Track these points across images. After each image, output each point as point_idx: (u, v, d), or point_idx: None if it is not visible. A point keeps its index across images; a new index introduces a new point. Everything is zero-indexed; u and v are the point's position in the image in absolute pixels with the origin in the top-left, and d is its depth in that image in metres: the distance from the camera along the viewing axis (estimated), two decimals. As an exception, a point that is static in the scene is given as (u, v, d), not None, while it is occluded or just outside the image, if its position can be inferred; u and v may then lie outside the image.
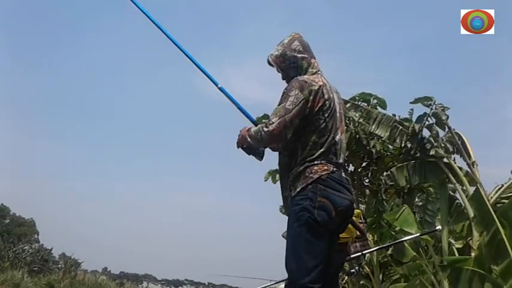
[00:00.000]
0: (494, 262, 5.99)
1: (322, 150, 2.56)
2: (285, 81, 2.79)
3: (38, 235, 43.83)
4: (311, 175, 2.51)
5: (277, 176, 10.61)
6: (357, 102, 9.03)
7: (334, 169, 2.57)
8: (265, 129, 2.54)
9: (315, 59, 2.75)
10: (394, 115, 8.71)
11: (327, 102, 2.60)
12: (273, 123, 2.53)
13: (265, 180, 10.73)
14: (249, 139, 2.63)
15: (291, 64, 2.70)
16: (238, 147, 2.72)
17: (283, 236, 12.58)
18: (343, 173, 2.66)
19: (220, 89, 2.92)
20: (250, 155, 2.76)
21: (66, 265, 30.36)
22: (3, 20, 67.50)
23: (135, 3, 3.23)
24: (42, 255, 33.57)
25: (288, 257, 2.52)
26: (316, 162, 2.54)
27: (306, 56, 2.72)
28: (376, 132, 8.47)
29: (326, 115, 2.59)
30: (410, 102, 8.31)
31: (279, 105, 2.58)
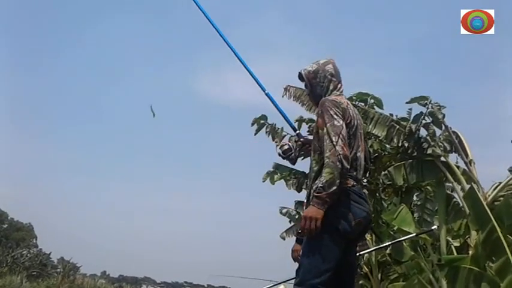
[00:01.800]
0: (490, 260, 6.02)
1: None
2: (309, 96, 3.05)
3: (36, 239, 43.79)
4: None
5: (276, 176, 10.69)
6: (354, 102, 9.05)
7: (355, 183, 2.71)
8: (336, 157, 2.52)
9: (341, 84, 2.94)
10: (391, 115, 8.74)
11: (352, 120, 2.75)
12: (336, 145, 2.54)
13: (264, 181, 10.74)
14: (330, 191, 2.52)
15: (320, 83, 2.88)
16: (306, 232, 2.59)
17: (281, 237, 12.59)
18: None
19: (267, 95, 3.15)
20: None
21: (64, 269, 30.31)
22: (2, 20, 67.34)
23: (200, 9, 3.51)
24: (40, 259, 33.51)
25: (303, 258, 2.67)
26: None
27: (335, 80, 2.91)
28: (374, 131, 8.50)
29: (351, 133, 2.73)
30: (407, 102, 8.35)
31: (323, 129, 2.63)
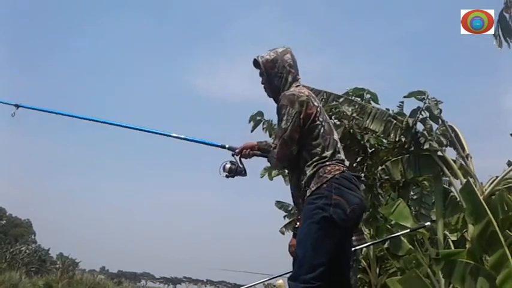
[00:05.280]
0: (486, 253, 6.06)
1: (330, 151, 2.63)
2: (263, 86, 2.86)
3: (34, 236, 43.82)
4: (325, 175, 2.57)
5: (273, 172, 10.69)
6: (350, 97, 9.05)
7: (345, 168, 2.63)
8: (273, 156, 2.73)
9: (299, 75, 2.84)
10: (388, 109, 8.74)
11: (318, 108, 2.70)
12: (275, 147, 2.69)
13: (261, 177, 10.75)
14: (269, 158, 2.83)
15: (278, 73, 2.76)
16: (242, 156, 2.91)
17: (280, 231, 12.62)
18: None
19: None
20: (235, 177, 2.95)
21: (63, 265, 30.35)
22: (4, 17, 66.99)
23: None
24: (39, 255, 33.59)
25: (296, 253, 2.60)
26: (328, 163, 2.59)
27: (293, 71, 2.78)
28: (371, 126, 8.49)
29: (321, 119, 2.68)
30: (404, 97, 8.38)
31: (277, 125, 2.72)
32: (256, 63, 2.82)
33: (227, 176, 2.91)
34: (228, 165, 2.90)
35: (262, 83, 2.85)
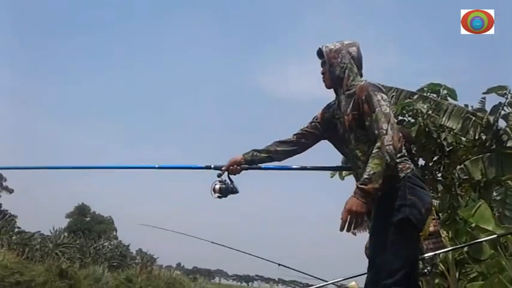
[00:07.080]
0: None
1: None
2: (323, 75, 2.77)
3: (116, 232, 46.31)
4: (397, 173, 2.47)
5: (344, 172, 10.50)
6: (425, 94, 8.72)
7: (413, 166, 2.55)
8: (385, 147, 2.36)
9: (361, 72, 2.73)
10: (467, 106, 8.35)
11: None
12: (386, 134, 2.38)
13: (332, 177, 10.59)
14: (376, 186, 2.33)
15: (341, 63, 2.68)
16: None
17: (352, 232, 12.40)
18: None
19: (160, 167, 3.17)
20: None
21: (142, 260, 31.83)
22: (8, 18, 70.58)
23: None
24: (120, 251, 35.34)
25: (373, 257, 2.53)
26: (398, 161, 2.47)
27: (357, 65, 2.69)
28: (447, 124, 8.15)
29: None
30: (484, 93, 7.98)
31: (370, 116, 2.48)
32: (319, 52, 2.77)
33: (219, 197, 2.88)
34: (218, 186, 2.88)
35: (322, 73, 2.78)
